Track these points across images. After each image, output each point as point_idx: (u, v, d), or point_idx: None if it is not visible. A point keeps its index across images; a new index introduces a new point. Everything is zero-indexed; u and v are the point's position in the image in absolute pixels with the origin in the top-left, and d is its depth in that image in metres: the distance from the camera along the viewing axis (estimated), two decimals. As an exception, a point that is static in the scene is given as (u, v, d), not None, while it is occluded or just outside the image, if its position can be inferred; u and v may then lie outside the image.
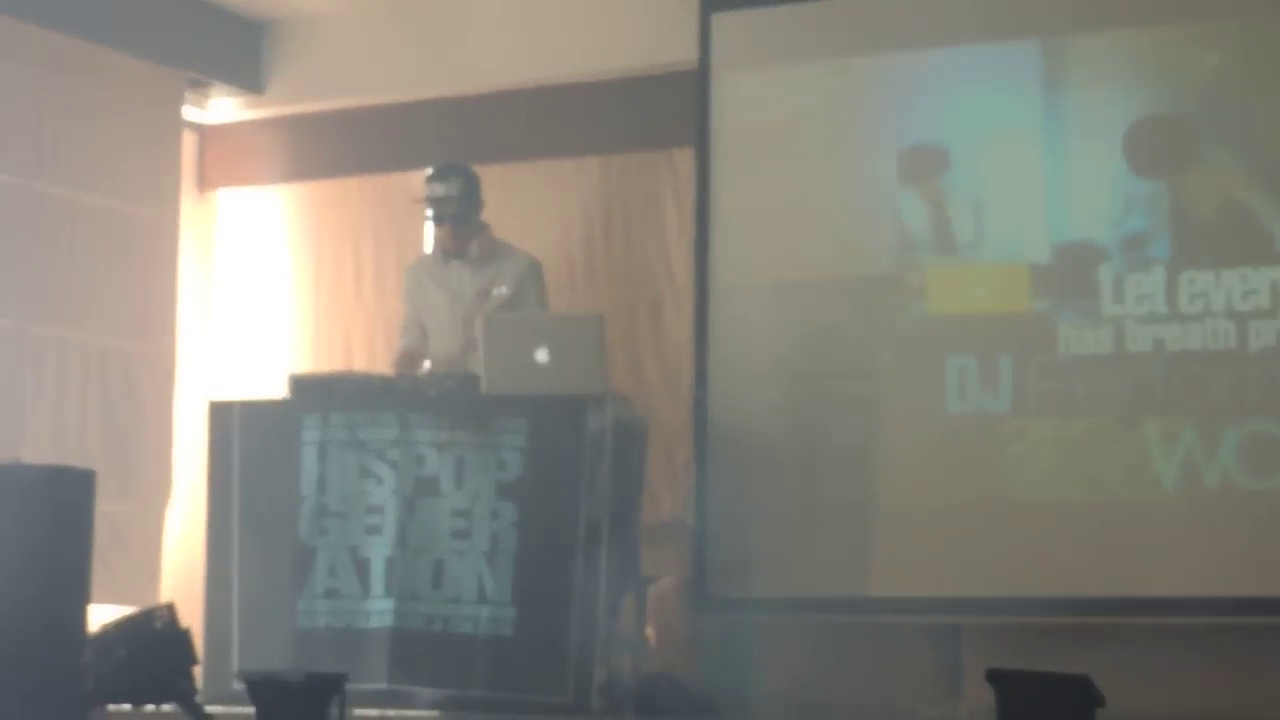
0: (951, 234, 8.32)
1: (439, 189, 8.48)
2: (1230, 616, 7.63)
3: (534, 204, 9.47)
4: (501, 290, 8.45)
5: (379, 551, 7.61)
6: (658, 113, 9.21)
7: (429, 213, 8.56)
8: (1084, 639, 7.57)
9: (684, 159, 9.05)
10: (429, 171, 8.60)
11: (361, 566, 7.63)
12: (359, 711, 6.30)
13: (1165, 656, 7.69)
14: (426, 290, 8.59)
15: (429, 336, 8.60)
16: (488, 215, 8.82)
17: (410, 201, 8.79)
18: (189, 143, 10.01)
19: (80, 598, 6.18)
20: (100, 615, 6.40)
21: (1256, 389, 7.76)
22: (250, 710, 5.60)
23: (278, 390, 8.19)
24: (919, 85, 8.44)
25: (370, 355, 9.47)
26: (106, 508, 6.72)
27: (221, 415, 8.01)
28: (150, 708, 6.03)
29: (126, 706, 6.02)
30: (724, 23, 8.84)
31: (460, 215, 8.49)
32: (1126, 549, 7.81)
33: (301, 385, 8.03)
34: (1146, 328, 7.95)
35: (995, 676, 4.66)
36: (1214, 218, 7.96)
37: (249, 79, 10.01)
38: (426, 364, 8.58)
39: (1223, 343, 7.83)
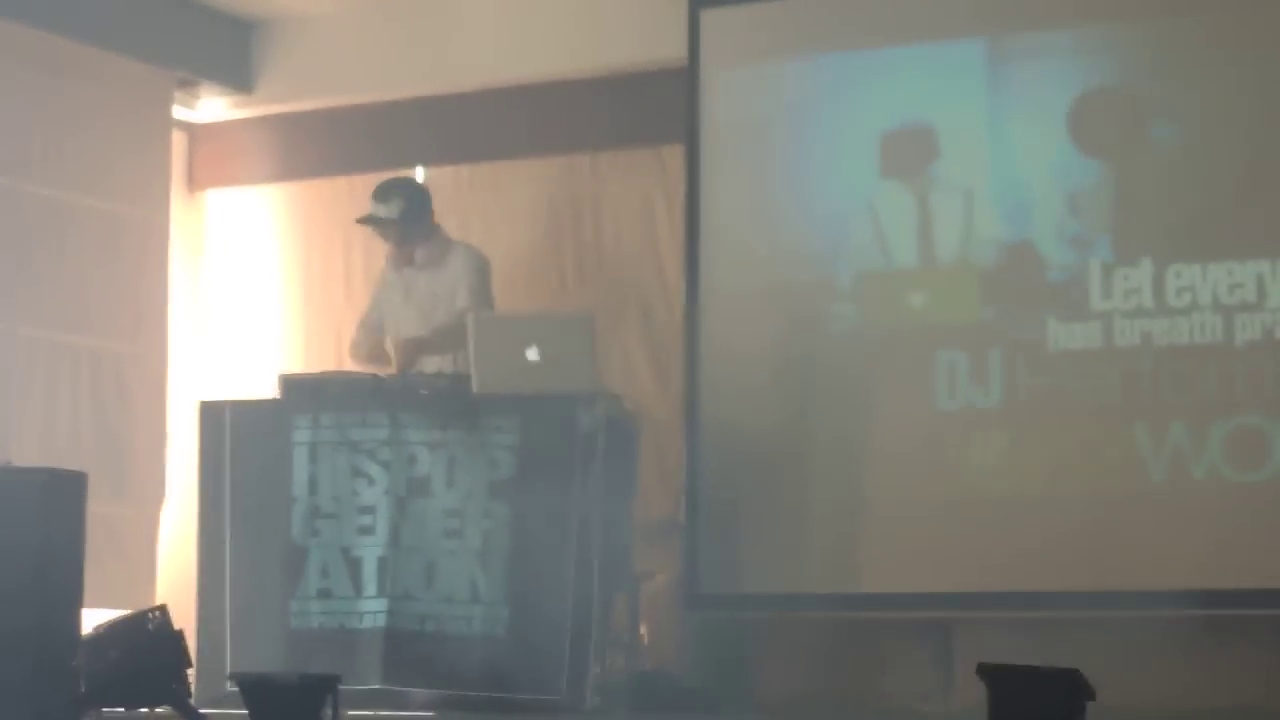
0: (938, 229, 8.36)
1: (380, 210, 8.41)
2: (1220, 609, 7.66)
3: (524, 201, 9.49)
4: (447, 292, 8.38)
5: (371, 552, 7.62)
6: (647, 110, 9.22)
7: (374, 230, 8.52)
8: (1075, 633, 7.60)
9: (673, 156, 9.07)
10: (375, 186, 8.54)
11: (354, 567, 7.63)
12: (353, 712, 6.31)
13: (1156, 649, 7.69)
14: (388, 288, 8.59)
15: (388, 331, 8.55)
16: (479, 214, 8.86)
17: (354, 221, 8.71)
18: (178, 142, 10.01)
19: (73, 601, 6.17)
20: (94, 618, 6.40)
21: (1243, 383, 7.80)
22: (244, 712, 5.61)
23: (268, 390, 8.20)
24: (910, 78, 8.46)
25: (361, 355, 9.49)
26: (100, 510, 6.72)
27: (212, 415, 8.01)
28: (143, 711, 6.03)
29: (119, 710, 6.02)
30: (713, 19, 8.86)
31: (401, 235, 8.43)
32: (1116, 542, 7.84)
33: (292, 385, 8.03)
34: (1134, 322, 7.98)
35: (986, 671, 4.67)
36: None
37: (238, 78, 10.02)
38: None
39: (1209, 337, 7.87)
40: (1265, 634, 7.70)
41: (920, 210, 8.40)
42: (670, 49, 8.95)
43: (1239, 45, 7.98)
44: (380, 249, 8.80)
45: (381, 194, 8.45)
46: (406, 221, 8.40)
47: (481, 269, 8.48)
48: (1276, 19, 7.91)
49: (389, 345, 8.51)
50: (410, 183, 8.63)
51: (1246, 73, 7.94)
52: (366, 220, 8.48)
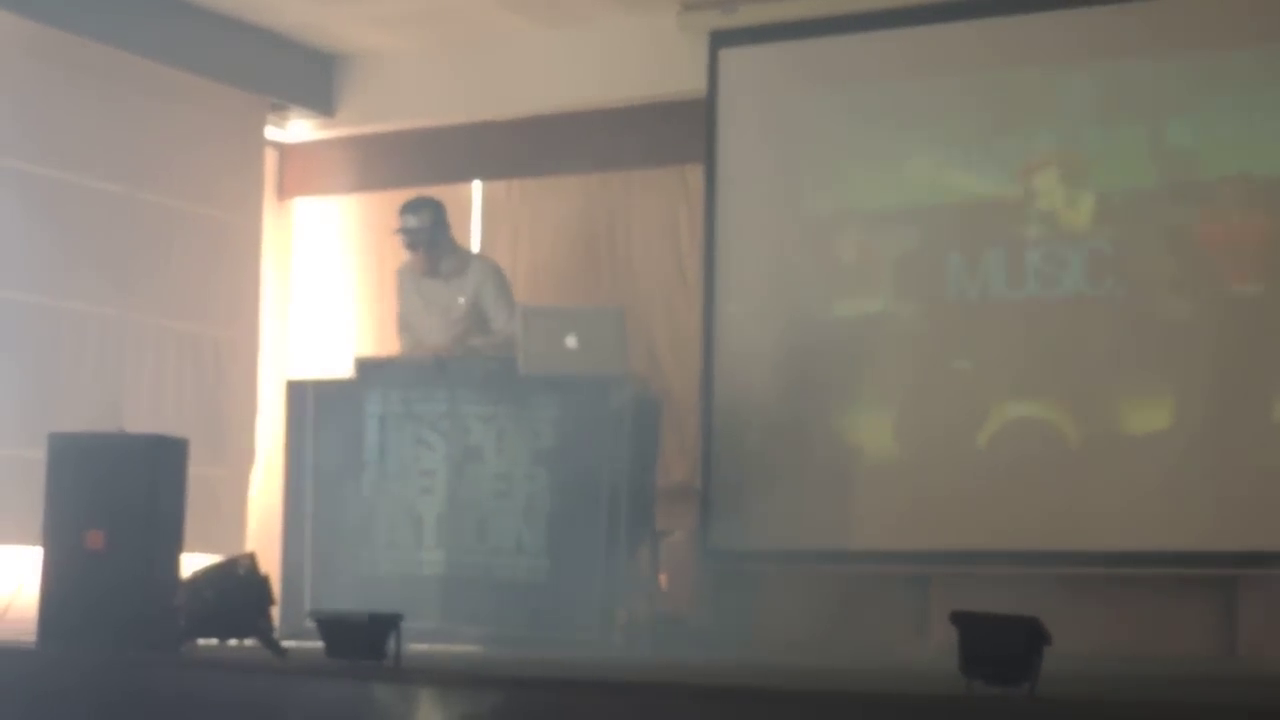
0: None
1: (411, 221, 8.25)
2: (1161, 568, 7.62)
3: (566, 213, 9.45)
4: (461, 301, 8.28)
5: (431, 509, 7.63)
6: (672, 135, 9.16)
7: (403, 240, 8.33)
8: (1036, 586, 7.53)
9: (695, 175, 9.03)
10: (403, 204, 8.40)
11: (416, 522, 7.65)
12: (414, 646, 6.26)
13: (1105, 602, 7.67)
14: (410, 296, 8.45)
15: (415, 334, 8.44)
16: (526, 223, 8.81)
17: (390, 233, 8.57)
18: (270, 158, 10.00)
19: (175, 548, 6.15)
20: (193, 563, 6.40)
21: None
22: (320, 644, 5.58)
23: (345, 370, 8.19)
24: (908, 111, 8.38)
25: (424, 341, 9.45)
26: (199, 471, 6.69)
27: (298, 392, 8.06)
28: (233, 642, 6.01)
29: (213, 641, 6.01)
30: (730, 57, 8.85)
31: (430, 241, 8.26)
32: (1074, 509, 7.78)
33: (365, 366, 8.04)
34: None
35: (957, 618, 4.62)
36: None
37: (322, 104, 9.99)
38: None
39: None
40: (1202, 591, 7.66)
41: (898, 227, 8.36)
42: (693, 82, 8.92)
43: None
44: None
45: (411, 208, 8.30)
46: (435, 231, 8.26)
47: (499, 274, 8.40)
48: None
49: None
50: (434, 199, 8.40)
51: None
52: (401, 231, 8.30)
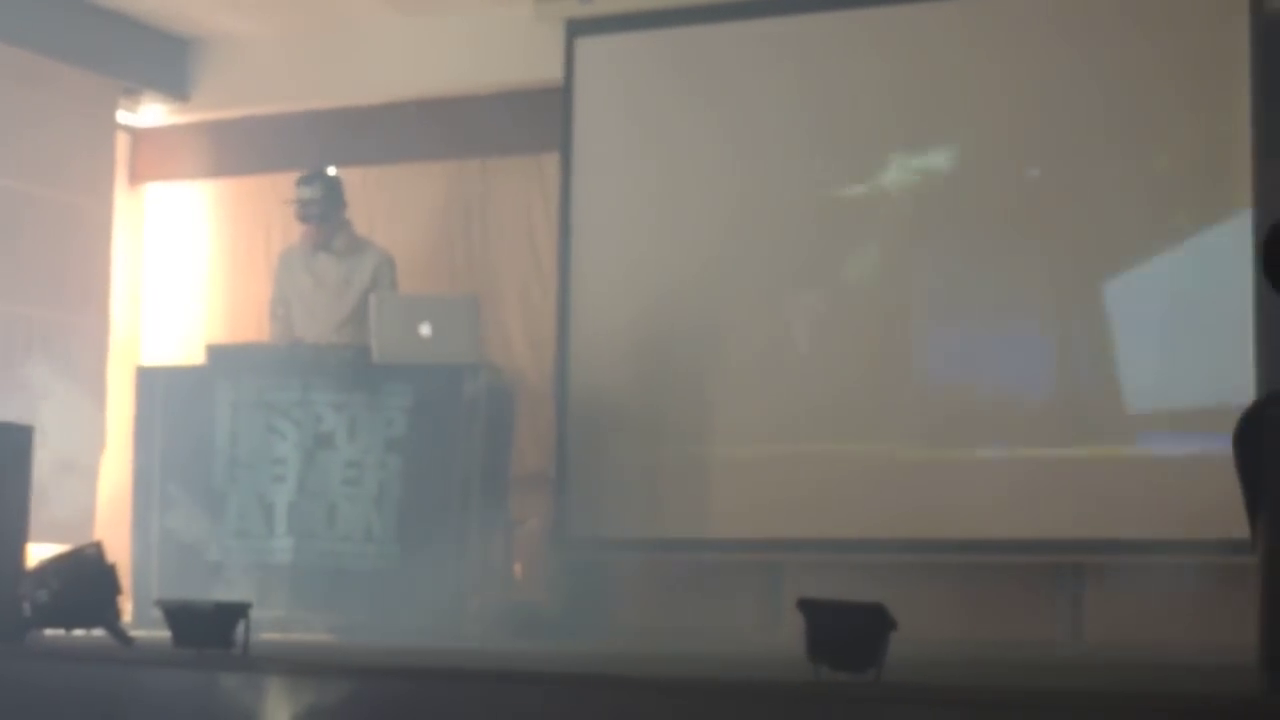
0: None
1: (305, 193, 8.33)
2: (1008, 555, 7.73)
3: (421, 200, 9.41)
4: (362, 279, 8.31)
5: (282, 497, 7.57)
6: (529, 123, 9.14)
7: (297, 212, 8.39)
8: (888, 575, 7.59)
9: (551, 164, 9.01)
10: (298, 176, 8.48)
11: (267, 510, 7.59)
12: (264, 635, 6.21)
13: (948, 588, 7.75)
14: (296, 276, 8.44)
15: (295, 318, 8.44)
16: (382, 210, 8.75)
17: (282, 203, 8.63)
18: (122, 143, 9.87)
19: (19, 537, 6.06)
20: (39, 552, 6.30)
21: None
22: (168, 634, 5.52)
23: (197, 357, 8.10)
24: (763, 103, 8.40)
25: (278, 328, 9.38)
26: (45, 458, 6.59)
27: (148, 379, 7.99)
28: (80, 632, 5.93)
29: (60, 631, 5.92)
30: (586, 46, 8.83)
31: (323, 215, 8.33)
32: (924, 498, 7.85)
33: (217, 353, 7.98)
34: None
35: (804, 605, 4.65)
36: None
37: (176, 88, 9.88)
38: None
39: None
40: (1050, 578, 7.78)
41: (754, 218, 8.39)
42: (549, 71, 8.89)
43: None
44: (295, 236, 8.70)
45: (305, 180, 8.37)
46: (328, 203, 8.32)
47: (393, 267, 8.41)
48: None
49: (299, 331, 8.41)
50: (330, 175, 8.53)
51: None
52: (295, 202, 8.36)
